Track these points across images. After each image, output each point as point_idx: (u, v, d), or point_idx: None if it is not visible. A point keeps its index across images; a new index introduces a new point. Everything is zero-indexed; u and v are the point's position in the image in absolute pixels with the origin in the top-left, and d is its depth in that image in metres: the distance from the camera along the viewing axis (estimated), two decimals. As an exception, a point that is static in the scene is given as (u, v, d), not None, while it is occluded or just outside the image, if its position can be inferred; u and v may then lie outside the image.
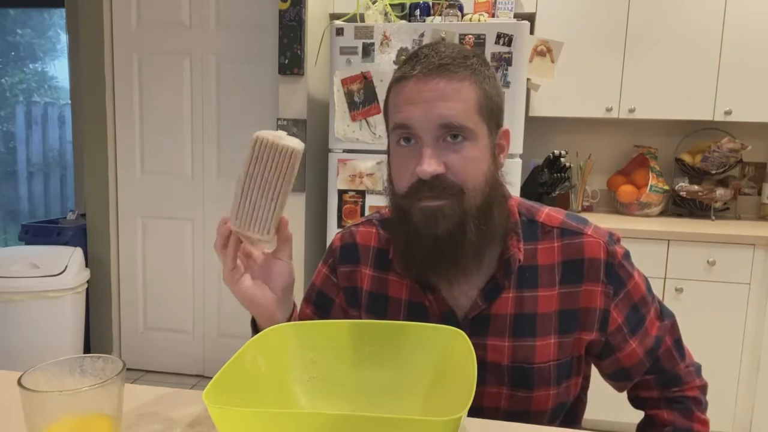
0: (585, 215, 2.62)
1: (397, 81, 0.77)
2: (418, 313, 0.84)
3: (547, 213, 0.85)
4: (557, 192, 2.57)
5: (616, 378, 0.87)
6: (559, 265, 0.81)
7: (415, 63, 0.75)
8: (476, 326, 0.81)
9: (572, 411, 0.91)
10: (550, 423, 0.84)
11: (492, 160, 0.77)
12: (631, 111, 2.47)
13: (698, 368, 0.88)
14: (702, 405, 0.86)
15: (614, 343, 0.83)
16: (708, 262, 2.18)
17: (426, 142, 0.73)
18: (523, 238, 0.82)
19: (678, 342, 0.87)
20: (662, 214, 2.66)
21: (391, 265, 0.86)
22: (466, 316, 0.81)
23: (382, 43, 2.11)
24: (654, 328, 0.85)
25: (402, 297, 0.85)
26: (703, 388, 0.87)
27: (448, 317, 0.82)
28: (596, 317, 0.81)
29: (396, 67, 0.80)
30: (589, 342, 0.83)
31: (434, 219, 0.73)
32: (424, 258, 0.76)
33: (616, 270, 0.81)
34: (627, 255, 0.84)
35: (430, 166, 0.72)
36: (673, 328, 0.87)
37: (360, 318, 0.89)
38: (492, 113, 0.77)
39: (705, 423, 0.84)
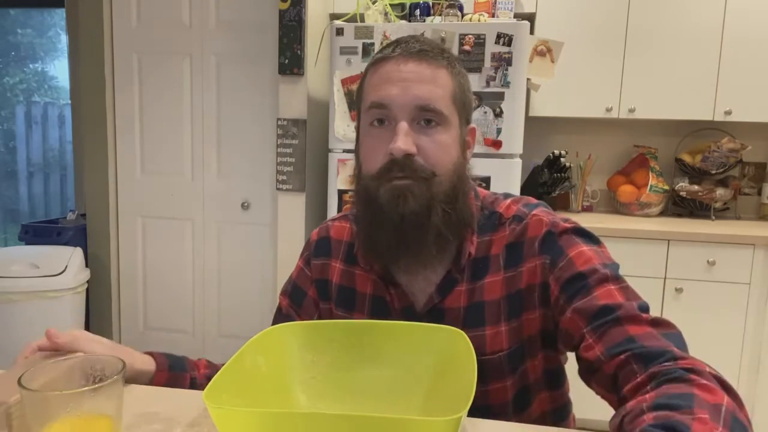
0: (585, 215, 2.63)
1: (375, 62, 0.78)
2: (380, 307, 0.85)
3: (508, 204, 0.84)
4: (557, 192, 2.57)
5: (586, 370, 0.69)
6: (503, 250, 0.80)
7: (396, 46, 0.77)
8: (432, 320, 0.81)
9: (553, 380, 0.85)
10: (520, 410, 0.82)
11: (461, 151, 0.79)
12: (631, 111, 2.47)
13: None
14: (703, 374, 0.58)
15: (558, 317, 0.74)
16: (708, 262, 2.18)
17: (401, 121, 0.74)
18: (482, 231, 0.82)
19: (662, 325, 0.66)
20: (662, 214, 2.66)
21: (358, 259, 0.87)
22: (423, 309, 0.82)
23: (382, 43, 2.11)
24: (611, 298, 0.69)
25: (367, 291, 0.86)
26: (714, 375, 0.59)
27: (408, 311, 0.83)
28: (536, 292, 0.77)
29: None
30: (540, 325, 0.78)
31: (402, 198, 0.74)
32: (388, 242, 0.76)
33: (555, 239, 0.76)
34: (578, 231, 0.77)
35: (405, 144, 0.72)
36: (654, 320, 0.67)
37: (330, 311, 0.90)
38: (464, 107, 0.79)
39: (711, 390, 0.56)
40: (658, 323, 0.66)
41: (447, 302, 0.81)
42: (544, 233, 0.78)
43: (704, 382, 0.57)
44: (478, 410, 0.77)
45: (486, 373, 0.80)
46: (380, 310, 0.85)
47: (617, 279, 0.72)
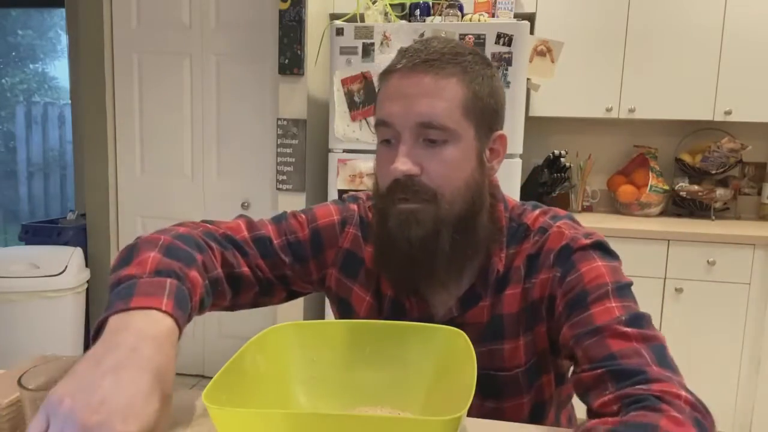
0: (585, 215, 2.63)
1: (383, 75, 0.75)
2: (398, 310, 0.82)
3: (536, 216, 0.80)
4: (557, 192, 2.57)
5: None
6: (524, 261, 0.77)
7: (402, 56, 0.72)
8: None
9: (564, 393, 0.85)
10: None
11: (478, 164, 0.74)
12: (631, 111, 2.47)
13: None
14: (674, 404, 0.56)
15: (556, 332, 0.73)
16: (708, 262, 2.18)
17: (403, 139, 0.70)
18: (511, 243, 0.78)
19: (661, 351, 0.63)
20: (662, 214, 2.66)
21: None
22: (441, 321, 0.79)
23: (382, 43, 2.11)
24: (607, 314, 0.67)
25: (387, 293, 0.83)
26: (689, 401, 0.57)
27: (426, 321, 0.79)
28: (544, 304, 0.75)
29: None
30: (548, 338, 0.77)
31: (407, 223, 0.71)
32: (400, 263, 0.74)
33: (570, 253, 0.73)
34: (598, 246, 0.74)
35: (404, 164, 0.69)
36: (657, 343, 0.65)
37: (339, 280, 0.86)
38: (483, 115, 0.73)
39: (679, 423, 0.54)
40: (643, 337, 0.64)
41: (468, 317, 0.78)
42: (561, 246, 0.74)
43: (674, 414, 0.55)
44: None
45: (502, 389, 0.78)
46: (398, 314, 0.82)
47: (622, 296, 0.68)
